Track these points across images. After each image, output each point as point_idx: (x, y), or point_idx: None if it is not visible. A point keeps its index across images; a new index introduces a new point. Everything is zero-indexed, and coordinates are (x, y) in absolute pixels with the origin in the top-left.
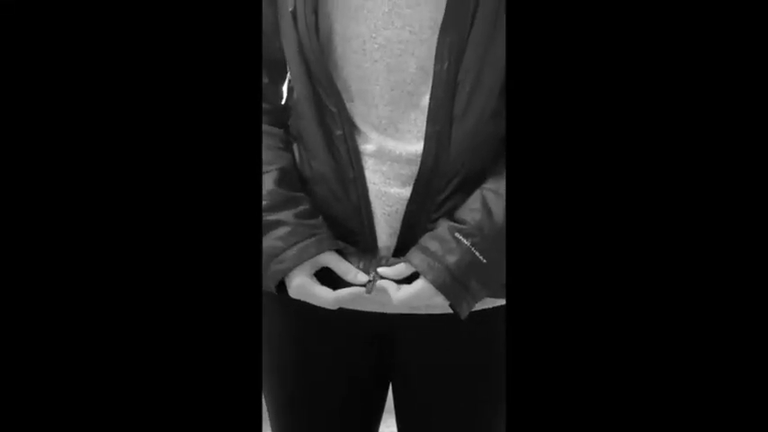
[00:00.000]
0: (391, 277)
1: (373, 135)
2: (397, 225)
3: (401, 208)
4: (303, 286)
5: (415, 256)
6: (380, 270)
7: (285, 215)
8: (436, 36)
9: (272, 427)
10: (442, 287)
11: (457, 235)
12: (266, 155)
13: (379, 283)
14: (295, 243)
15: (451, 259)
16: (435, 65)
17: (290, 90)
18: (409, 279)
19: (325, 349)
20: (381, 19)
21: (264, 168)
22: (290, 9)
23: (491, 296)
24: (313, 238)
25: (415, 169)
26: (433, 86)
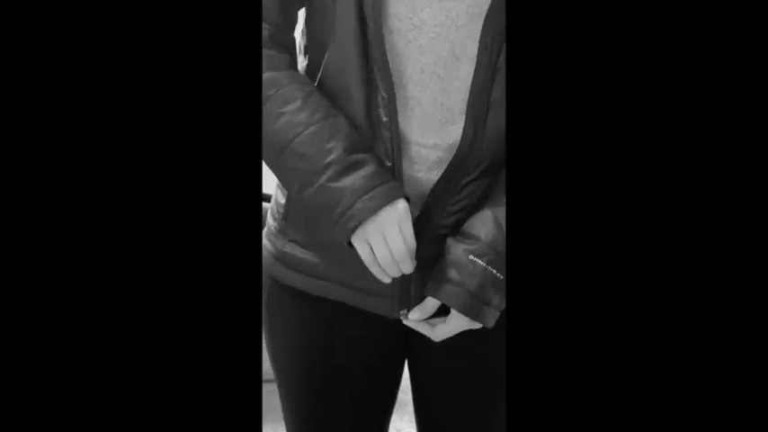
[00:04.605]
0: (422, 318)
1: (400, 118)
2: (419, 208)
3: (425, 191)
4: (404, 212)
5: (439, 288)
6: (411, 315)
7: (368, 158)
8: (473, 23)
9: (285, 414)
10: (469, 311)
11: (471, 257)
12: (323, 101)
13: (416, 327)
14: (381, 183)
15: (473, 283)
16: (479, 51)
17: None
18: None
19: (340, 336)
20: (419, 0)
21: (331, 113)
22: None
23: None
24: (395, 182)
25: (440, 154)
26: (474, 73)
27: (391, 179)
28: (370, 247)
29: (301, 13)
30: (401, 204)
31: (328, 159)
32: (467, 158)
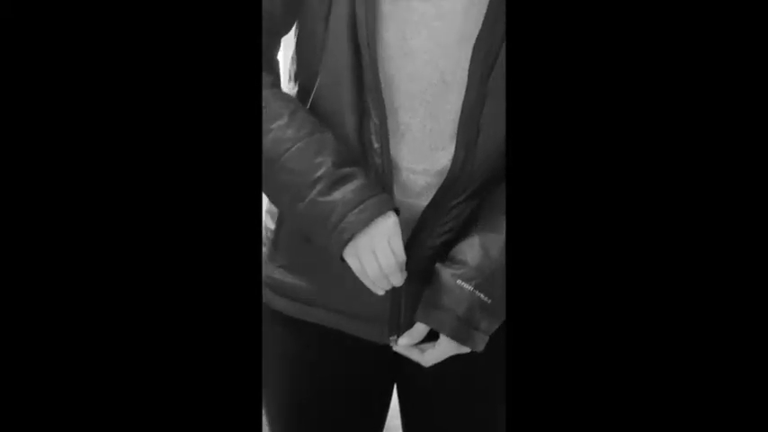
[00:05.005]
0: (411, 343)
1: (391, 144)
2: (408, 233)
3: (414, 217)
4: (393, 226)
5: (428, 314)
6: (400, 341)
7: (357, 171)
8: (462, 49)
9: None
10: (458, 336)
11: (459, 282)
12: (308, 116)
13: (406, 353)
14: (371, 196)
15: (461, 309)
16: (469, 75)
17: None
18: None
19: (328, 362)
20: (409, 28)
21: (317, 128)
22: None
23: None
24: (385, 195)
25: (428, 180)
26: (465, 96)
27: (381, 191)
28: (361, 261)
29: (291, 40)
30: (391, 219)
31: (317, 174)
32: (457, 182)
